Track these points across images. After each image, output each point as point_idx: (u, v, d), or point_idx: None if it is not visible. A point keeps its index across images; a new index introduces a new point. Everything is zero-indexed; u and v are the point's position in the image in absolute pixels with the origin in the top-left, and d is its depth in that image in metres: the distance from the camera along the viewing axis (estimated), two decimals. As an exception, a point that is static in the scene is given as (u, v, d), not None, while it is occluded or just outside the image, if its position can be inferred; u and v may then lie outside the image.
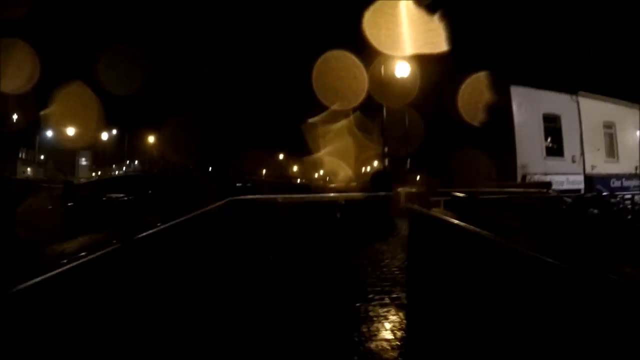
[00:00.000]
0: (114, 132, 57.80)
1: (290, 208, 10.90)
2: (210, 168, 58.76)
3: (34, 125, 47.65)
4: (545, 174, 22.82)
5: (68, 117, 45.68)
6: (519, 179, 22.74)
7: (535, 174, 22.92)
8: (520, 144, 23.48)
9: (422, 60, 21.14)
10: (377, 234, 11.45)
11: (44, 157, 52.50)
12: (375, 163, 41.26)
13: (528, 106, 24.16)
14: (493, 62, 22.90)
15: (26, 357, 2.10)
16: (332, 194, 18.69)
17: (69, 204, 18.40)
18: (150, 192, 28.68)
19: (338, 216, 12.19)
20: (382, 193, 13.25)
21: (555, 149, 25.33)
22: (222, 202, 7.70)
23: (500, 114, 23.14)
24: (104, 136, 55.89)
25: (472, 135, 21.88)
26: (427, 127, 23.80)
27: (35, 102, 43.67)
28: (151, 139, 58.80)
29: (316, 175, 70.75)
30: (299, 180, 50.84)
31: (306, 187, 35.48)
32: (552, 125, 25.42)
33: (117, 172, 61.45)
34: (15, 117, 46.29)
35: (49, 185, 38.61)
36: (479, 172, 20.57)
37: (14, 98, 40.92)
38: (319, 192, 21.92)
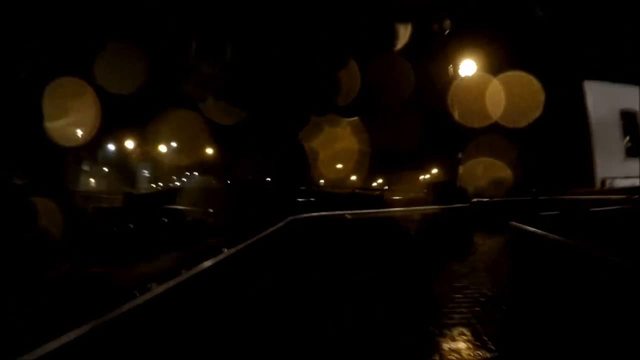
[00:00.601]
0: (173, 144, 59.28)
1: (360, 224, 10.11)
2: (268, 179, 58.21)
3: (97, 139, 49.68)
4: (627, 177, 20.69)
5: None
6: (597, 184, 20.73)
7: (616, 177, 20.82)
8: (598, 144, 21.47)
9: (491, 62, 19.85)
10: (458, 253, 10.33)
11: (107, 169, 54.75)
12: (435, 170, 39.31)
13: (604, 102, 22.10)
14: (562, 57, 21.18)
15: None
16: (402, 208, 17.68)
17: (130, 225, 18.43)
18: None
19: (413, 233, 11.13)
20: (458, 205, 12.18)
21: (636, 149, 23.02)
22: (282, 223, 7.08)
23: (571, 113, 21.33)
24: (163, 148, 57.57)
25: (539, 139, 20.28)
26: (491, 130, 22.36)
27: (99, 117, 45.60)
28: (209, 150, 59.91)
29: (374, 183, 68.76)
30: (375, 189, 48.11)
31: (377, 200, 30.63)
32: (630, 123, 23.19)
33: (176, 183, 62.87)
34: (79, 132, 48.43)
35: (108, 196, 40.21)
36: (548, 178, 18.96)
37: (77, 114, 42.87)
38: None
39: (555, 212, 11.02)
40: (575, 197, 13.51)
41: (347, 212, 10.92)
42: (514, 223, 5.42)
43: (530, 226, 5.24)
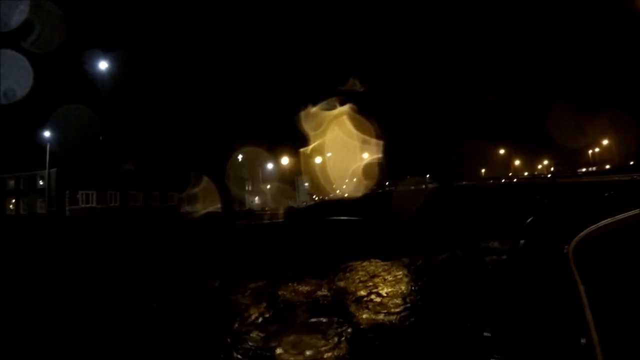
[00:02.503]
0: (329, 154, 58.31)
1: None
2: (427, 175, 54.16)
3: (257, 160, 50.95)
4: None
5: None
6: None
7: None
8: None
9: None
10: None
11: (269, 186, 56.07)
12: None
13: None
14: None
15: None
16: None
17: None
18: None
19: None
20: None
21: None
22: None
23: None
24: (318, 160, 56.84)
25: None
26: None
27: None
28: (365, 155, 57.66)
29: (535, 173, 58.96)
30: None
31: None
32: None
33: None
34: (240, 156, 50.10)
35: (271, 211, 39.91)
36: None
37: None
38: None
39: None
40: None
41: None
42: None
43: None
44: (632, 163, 43.76)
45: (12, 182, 38.80)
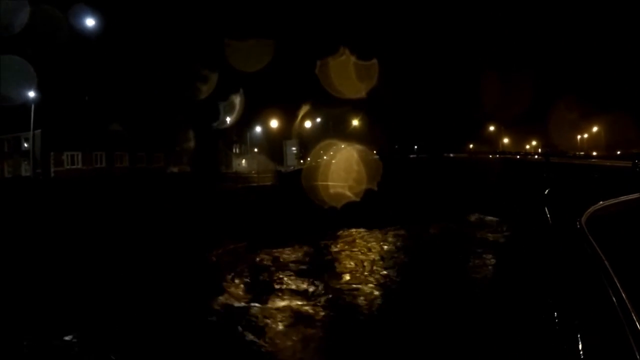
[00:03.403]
0: (318, 120, 58.12)
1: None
2: (415, 147, 54.65)
3: (244, 122, 50.65)
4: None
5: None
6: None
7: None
8: None
9: None
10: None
11: (257, 149, 55.88)
12: None
13: None
14: None
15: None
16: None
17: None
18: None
19: None
20: None
21: None
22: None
23: None
24: (307, 124, 56.66)
25: None
26: None
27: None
28: (355, 122, 57.64)
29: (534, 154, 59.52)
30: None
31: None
32: None
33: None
34: (227, 118, 49.65)
35: (258, 175, 40.18)
36: None
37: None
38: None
39: None
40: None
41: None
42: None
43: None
44: (619, 152, 45.43)
45: (-5, 145, 38.43)
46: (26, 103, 30.51)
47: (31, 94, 30.42)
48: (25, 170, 34.94)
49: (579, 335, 3.80)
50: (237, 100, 47.90)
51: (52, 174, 33.93)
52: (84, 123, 35.76)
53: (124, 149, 39.49)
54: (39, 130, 32.66)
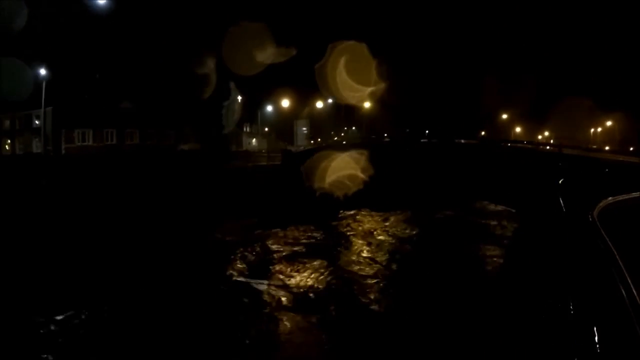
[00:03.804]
0: (329, 100, 57.41)
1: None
2: (427, 132, 53.79)
3: (256, 101, 50.20)
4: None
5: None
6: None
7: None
8: None
9: None
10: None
11: (267, 129, 55.63)
12: None
13: None
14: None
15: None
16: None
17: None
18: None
19: None
20: None
21: None
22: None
23: None
24: (319, 104, 56.01)
25: None
26: None
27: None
28: (366, 104, 56.71)
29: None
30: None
31: None
32: None
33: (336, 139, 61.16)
34: (239, 97, 49.23)
35: (268, 154, 40.06)
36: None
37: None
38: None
39: None
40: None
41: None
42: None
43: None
44: (632, 149, 44.59)
45: (7, 122, 38.76)
46: (38, 80, 30.52)
47: (42, 71, 30.39)
48: (36, 147, 35.17)
49: (591, 328, 3.59)
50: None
51: (63, 151, 34.12)
52: (94, 100, 35.81)
53: (134, 126, 39.46)
54: (50, 108, 32.72)
